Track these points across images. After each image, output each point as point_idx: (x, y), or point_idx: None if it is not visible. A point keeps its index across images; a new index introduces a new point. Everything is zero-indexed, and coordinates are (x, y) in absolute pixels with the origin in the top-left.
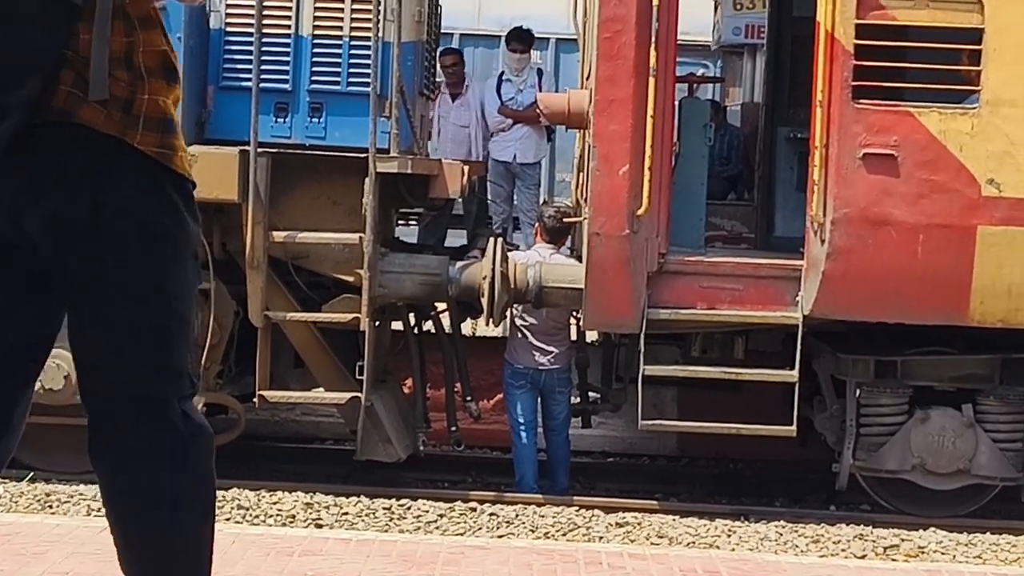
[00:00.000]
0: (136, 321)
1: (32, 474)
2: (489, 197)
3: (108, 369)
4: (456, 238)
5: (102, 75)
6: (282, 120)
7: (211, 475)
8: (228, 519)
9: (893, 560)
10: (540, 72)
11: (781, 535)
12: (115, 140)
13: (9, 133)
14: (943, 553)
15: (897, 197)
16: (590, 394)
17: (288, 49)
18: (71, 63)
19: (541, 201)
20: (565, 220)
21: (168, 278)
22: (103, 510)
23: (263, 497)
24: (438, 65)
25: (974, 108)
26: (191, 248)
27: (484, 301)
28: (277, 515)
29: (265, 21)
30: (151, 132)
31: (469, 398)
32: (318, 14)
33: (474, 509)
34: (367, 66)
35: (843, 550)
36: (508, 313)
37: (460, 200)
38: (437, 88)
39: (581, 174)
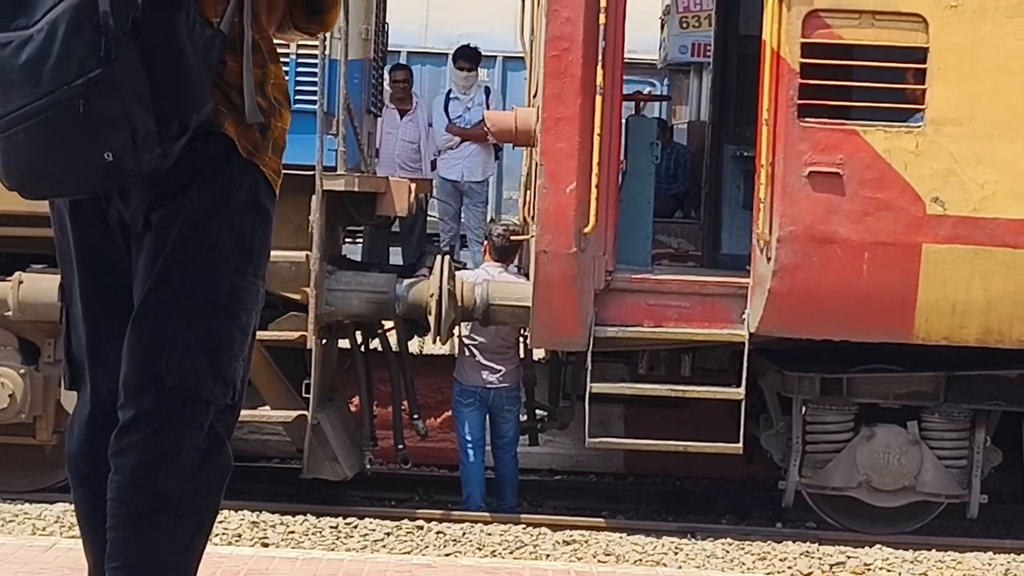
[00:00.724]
0: (208, 323)
1: None
2: (437, 215)
3: (164, 361)
4: (394, 256)
5: (253, 101)
6: None
7: (219, 494)
8: None
9: None
10: (488, 90)
11: (728, 552)
12: (245, 158)
13: (182, 145)
14: (888, 570)
15: (842, 215)
16: (537, 412)
17: None
18: (217, 84)
19: (488, 219)
20: (513, 238)
21: (246, 292)
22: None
23: None
24: (386, 81)
25: (919, 127)
26: (266, 266)
27: (431, 319)
28: (223, 534)
29: None
30: (276, 156)
31: (416, 416)
32: None
33: (421, 527)
34: (314, 83)
35: (789, 567)
36: (456, 331)
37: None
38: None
39: (528, 192)
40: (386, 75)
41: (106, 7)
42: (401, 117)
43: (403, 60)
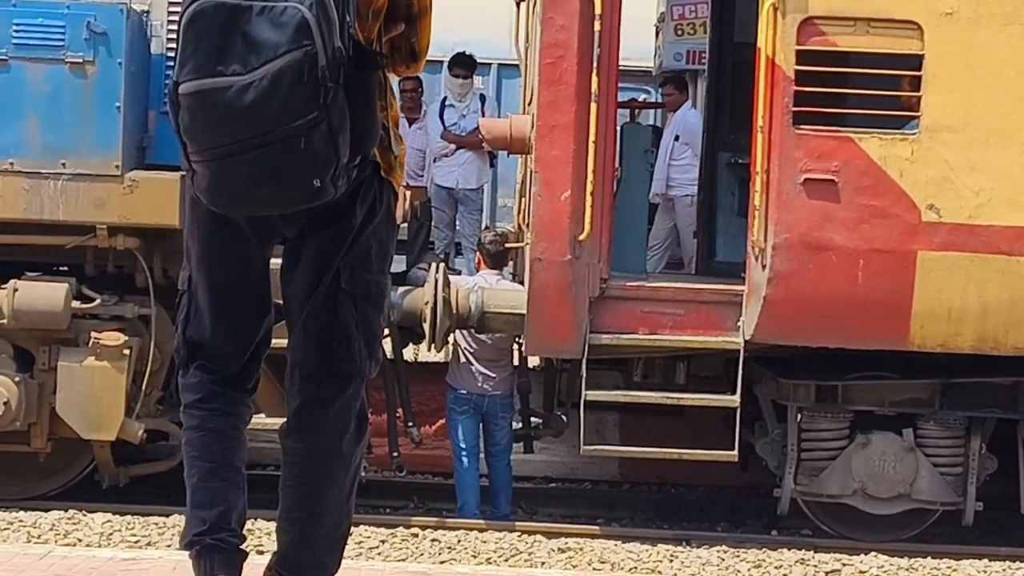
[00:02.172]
0: (366, 316)
1: None
2: (432, 222)
3: (337, 349)
4: (399, 263)
5: (396, 134)
6: None
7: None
8: (169, 545)
9: None
10: (483, 98)
11: (723, 560)
12: (384, 177)
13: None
14: None
15: (837, 222)
16: (532, 419)
17: None
18: None
19: (483, 227)
20: (506, 245)
21: (386, 287)
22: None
23: None
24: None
25: (914, 134)
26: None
27: (426, 327)
28: None
29: None
30: (400, 172)
31: (411, 423)
32: None
33: (416, 535)
34: None
35: (785, 575)
36: (451, 339)
37: (404, 225)
38: None
39: (523, 199)
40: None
41: (324, 62)
42: (410, 125)
43: None
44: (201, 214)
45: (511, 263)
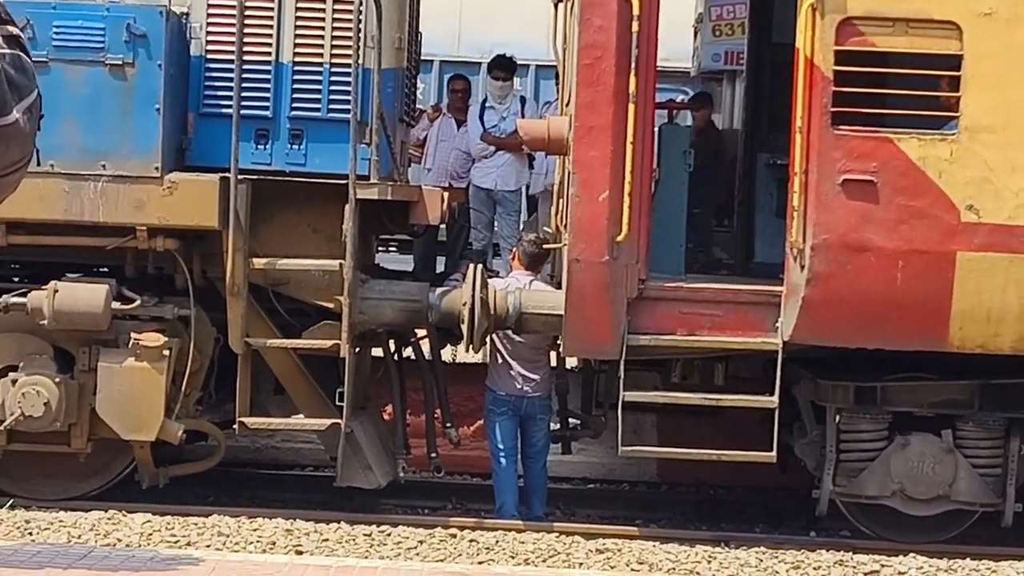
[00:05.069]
0: None
1: (11, 501)
2: (470, 223)
3: None
4: (438, 264)
5: None
6: (262, 147)
7: None
8: (209, 546)
9: None
10: (523, 100)
11: (761, 561)
12: None
13: None
14: None
15: (876, 223)
16: (570, 420)
17: (268, 76)
18: None
19: (521, 228)
20: (544, 247)
21: None
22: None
23: (243, 524)
24: (445, 89)
25: (953, 134)
26: None
27: (464, 327)
28: (257, 542)
29: (246, 48)
30: None
31: (449, 424)
32: (299, 41)
33: (454, 535)
34: (347, 93)
35: None
36: (489, 340)
37: (443, 226)
38: (438, 111)
39: (560, 200)
40: (420, 84)
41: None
42: (458, 127)
43: (436, 69)
44: None
45: (549, 265)
